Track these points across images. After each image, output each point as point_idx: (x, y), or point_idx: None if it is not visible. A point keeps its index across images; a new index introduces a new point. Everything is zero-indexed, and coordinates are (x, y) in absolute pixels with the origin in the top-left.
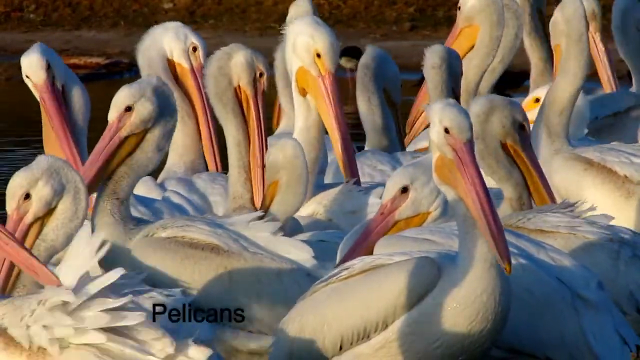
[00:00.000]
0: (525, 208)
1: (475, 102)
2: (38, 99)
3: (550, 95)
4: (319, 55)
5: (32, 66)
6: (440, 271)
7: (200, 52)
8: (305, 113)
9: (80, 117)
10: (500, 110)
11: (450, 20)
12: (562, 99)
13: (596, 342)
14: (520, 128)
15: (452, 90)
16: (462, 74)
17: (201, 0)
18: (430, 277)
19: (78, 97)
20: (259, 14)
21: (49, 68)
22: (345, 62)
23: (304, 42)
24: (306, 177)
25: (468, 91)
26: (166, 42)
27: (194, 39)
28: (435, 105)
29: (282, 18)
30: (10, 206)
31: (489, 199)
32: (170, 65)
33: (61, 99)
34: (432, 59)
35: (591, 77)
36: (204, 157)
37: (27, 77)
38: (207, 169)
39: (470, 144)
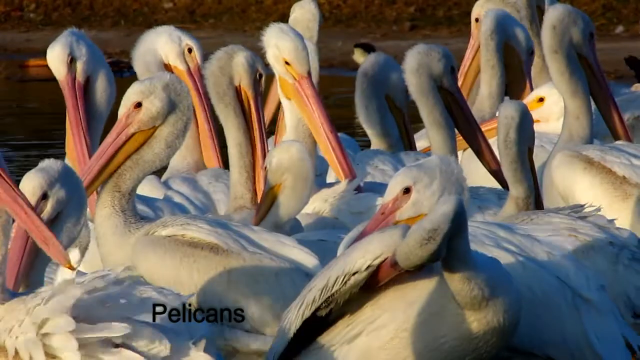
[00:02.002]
0: (531, 208)
1: (508, 107)
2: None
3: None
4: (287, 63)
5: (54, 60)
6: None
7: (195, 53)
8: (293, 113)
9: (101, 110)
10: (527, 114)
11: (451, 20)
12: (570, 105)
13: (599, 341)
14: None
15: (439, 88)
16: (453, 71)
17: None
18: (392, 240)
19: (102, 90)
20: (259, 13)
21: (71, 61)
22: (358, 57)
23: (272, 53)
24: (312, 180)
25: (492, 95)
26: (160, 47)
27: (188, 40)
28: None
29: (282, 18)
30: None
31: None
32: (167, 69)
33: (81, 93)
34: (409, 61)
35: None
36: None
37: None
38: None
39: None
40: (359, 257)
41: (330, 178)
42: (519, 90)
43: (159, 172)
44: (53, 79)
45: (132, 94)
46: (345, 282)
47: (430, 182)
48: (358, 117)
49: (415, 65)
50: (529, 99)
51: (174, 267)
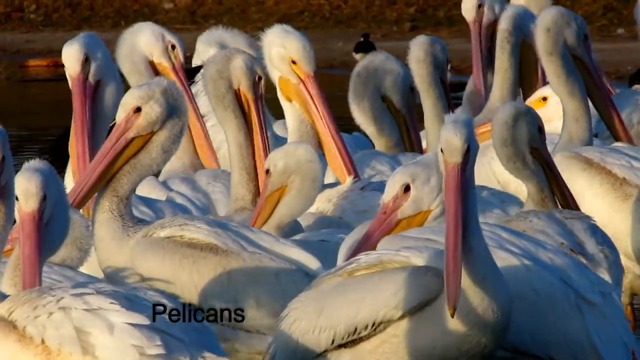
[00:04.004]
0: (547, 202)
1: (501, 110)
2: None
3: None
4: (294, 62)
5: (70, 57)
6: (443, 280)
7: (178, 50)
8: (295, 115)
9: (106, 114)
10: (524, 116)
11: (451, 21)
12: (568, 107)
13: (601, 343)
14: (540, 131)
15: (440, 80)
16: (448, 62)
17: (202, 0)
18: (430, 289)
19: (110, 94)
20: (259, 14)
21: (86, 61)
22: (360, 58)
23: (277, 52)
24: (320, 181)
25: (504, 98)
26: (144, 44)
27: (170, 37)
28: (447, 118)
29: (283, 18)
30: (33, 205)
31: (457, 234)
32: (152, 66)
33: (90, 94)
34: (416, 52)
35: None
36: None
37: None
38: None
39: (458, 167)
40: (392, 306)
41: (328, 178)
42: (531, 88)
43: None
44: (53, 79)
45: (131, 99)
46: (375, 329)
47: (428, 178)
48: (354, 117)
49: (423, 54)
50: (533, 98)
51: (173, 269)
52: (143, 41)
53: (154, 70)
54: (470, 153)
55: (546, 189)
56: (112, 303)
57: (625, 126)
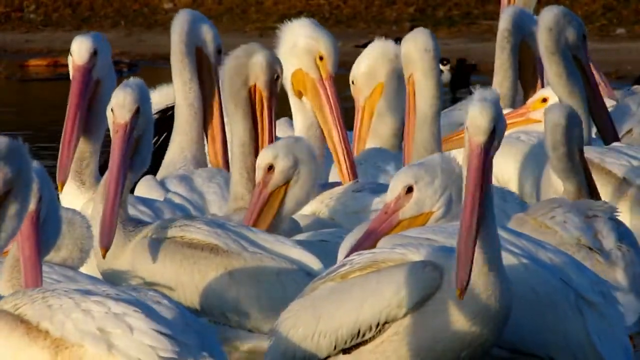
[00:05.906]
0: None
1: (553, 111)
2: (71, 77)
3: None
4: (321, 58)
5: (81, 46)
6: (442, 274)
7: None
8: (303, 115)
9: (103, 118)
10: (578, 119)
11: (451, 21)
12: None
13: (601, 343)
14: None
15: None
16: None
17: (201, 0)
18: (430, 283)
19: (108, 97)
20: (259, 14)
21: (94, 55)
22: None
23: (306, 44)
24: (319, 174)
25: (504, 98)
26: (203, 32)
27: (219, 42)
28: (475, 95)
29: (282, 18)
30: (31, 207)
31: (473, 212)
32: (198, 53)
33: (91, 86)
34: (427, 42)
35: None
36: (204, 151)
37: (70, 54)
38: (206, 165)
39: (482, 146)
40: (395, 305)
41: (332, 177)
42: (530, 88)
43: (153, 170)
44: (53, 79)
45: (131, 99)
46: (380, 330)
47: (432, 180)
48: None
49: (433, 44)
50: (534, 99)
51: (174, 269)
52: (204, 28)
53: (198, 57)
54: (496, 134)
55: (584, 189)
56: (135, 311)
57: (615, 128)
